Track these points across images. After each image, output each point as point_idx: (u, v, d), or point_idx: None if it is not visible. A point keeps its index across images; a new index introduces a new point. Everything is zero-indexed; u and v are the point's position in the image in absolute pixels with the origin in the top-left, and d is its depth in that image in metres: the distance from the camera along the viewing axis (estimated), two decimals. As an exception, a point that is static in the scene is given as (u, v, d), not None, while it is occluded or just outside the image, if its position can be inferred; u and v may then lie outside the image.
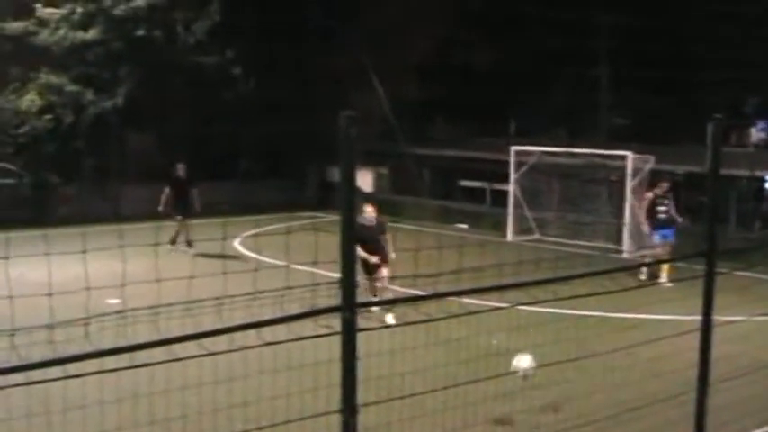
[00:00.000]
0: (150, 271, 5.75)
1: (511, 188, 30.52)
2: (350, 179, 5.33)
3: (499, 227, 30.20)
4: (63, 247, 5.22)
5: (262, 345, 5.23)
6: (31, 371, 4.46)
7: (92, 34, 34.55)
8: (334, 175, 37.07)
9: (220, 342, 5.02)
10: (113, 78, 34.97)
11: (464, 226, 31.94)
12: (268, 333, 5.22)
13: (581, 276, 7.57)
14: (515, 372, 11.69)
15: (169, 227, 24.84)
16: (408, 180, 37.21)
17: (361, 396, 5.54)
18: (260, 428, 6.15)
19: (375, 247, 17.54)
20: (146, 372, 5.39)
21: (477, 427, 10.41)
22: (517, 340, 14.17)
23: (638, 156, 27.34)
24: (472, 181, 35.82)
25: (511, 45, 36.89)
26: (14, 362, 4.47)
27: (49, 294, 4.98)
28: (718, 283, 8.16)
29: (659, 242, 22.37)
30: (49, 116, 33.94)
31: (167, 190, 26.32)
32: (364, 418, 5.58)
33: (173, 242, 25.15)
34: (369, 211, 18.12)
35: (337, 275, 5.34)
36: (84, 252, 4.86)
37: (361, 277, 14.81)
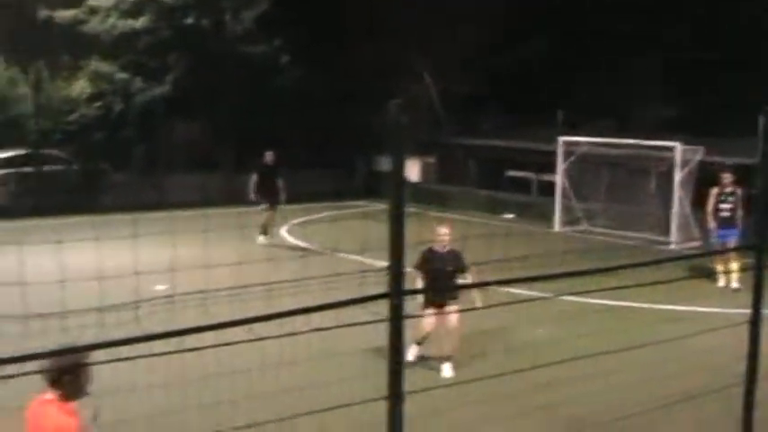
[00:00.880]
0: (198, 258, 5.81)
1: (558, 179, 30.37)
2: (400, 167, 5.33)
3: (546, 217, 30.08)
4: (111, 234, 5.26)
5: (310, 330, 5.25)
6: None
7: (141, 22, 34.77)
8: (382, 164, 37.10)
9: (270, 327, 5.04)
10: (162, 66, 35.18)
11: (511, 216, 31.84)
12: (316, 319, 5.23)
13: (630, 267, 7.52)
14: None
15: (252, 215, 24.69)
16: (455, 170, 37.13)
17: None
18: (306, 414, 6.16)
19: (445, 284, 13.33)
20: (194, 357, 5.44)
21: (522, 416, 10.41)
22: (564, 330, 14.19)
23: (687, 147, 27.09)
24: (519, 171, 35.65)
25: (560, 35, 36.64)
26: (66, 344, 4.53)
27: (99, 279, 5.03)
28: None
29: (717, 244, 20.86)
30: (98, 104, 34.21)
31: (255, 177, 25.93)
32: (409, 407, 5.60)
33: (264, 232, 25.10)
34: (443, 234, 13.71)
35: (384, 264, 5.34)
36: (134, 237, 4.90)
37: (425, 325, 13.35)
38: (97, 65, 34.74)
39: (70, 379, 5.59)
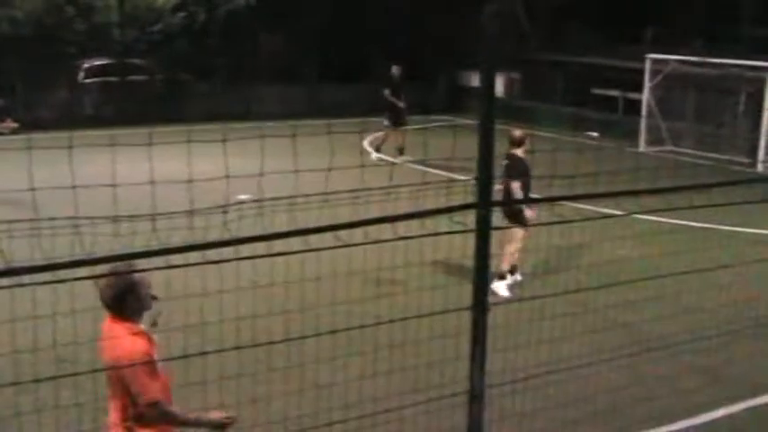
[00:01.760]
0: (284, 169, 5.82)
1: (644, 97, 29.91)
2: (490, 80, 5.29)
3: (631, 137, 29.68)
4: (194, 143, 5.29)
5: (397, 239, 5.26)
6: (170, 255, 4.58)
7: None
8: (465, 78, 36.79)
9: (356, 235, 5.07)
10: (247, -24, 35.08)
11: (595, 134, 31.45)
12: (403, 228, 5.25)
13: (713, 186, 7.40)
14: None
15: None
16: (540, 86, 36.68)
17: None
18: (388, 322, 6.21)
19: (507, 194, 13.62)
20: (281, 262, 5.49)
21: (605, 331, 10.40)
22: (644, 249, 14.09)
23: (778, 67, 26.46)
24: (605, 89, 35.08)
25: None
26: (155, 246, 4.58)
27: (188, 182, 5.09)
28: None
29: None
30: (182, 14, 34.28)
31: (387, 92, 25.46)
32: (490, 319, 5.62)
33: (377, 149, 25.00)
34: (513, 137, 14.12)
35: (464, 178, 5.34)
36: (223, 141, 4.92)
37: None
38: (182, -26, 34.76)
39: (131, 299, 5.67)
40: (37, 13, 32.11)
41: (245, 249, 4.70)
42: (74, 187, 4.78)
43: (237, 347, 5.70)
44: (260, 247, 4.87)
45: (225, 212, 4.97)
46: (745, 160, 26.56)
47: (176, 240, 4.62)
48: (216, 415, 5.79)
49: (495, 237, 5.55)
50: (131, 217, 4.95)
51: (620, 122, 32.33)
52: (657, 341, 10.68)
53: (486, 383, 5.70)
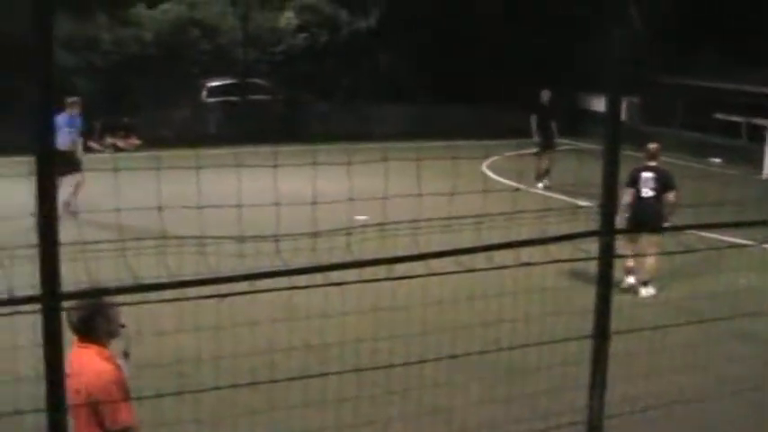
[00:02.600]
0: (402, 191, 5.81)
1: (770, 123, 29.32)
2: (616, 105, 5.23)
3: (755, 163, 29.00)
4: (314, 163, 5.32)
5: (519, 264, 5.23)
6: (292, 276, 4.61)
7: (348, -45, 35.09)
8: (584, 101, 36.42)
9: (478, 259, 5.05)
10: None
11: (717, 160, 30.83)
12: (525, 254, 5.21)
13: None
14: None
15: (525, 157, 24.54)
16: (660, 110, 36.09)
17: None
18: (506, 349, 6.16)
19: (651, 205, 13.85)
20: (401, 284, 5.49)
21: (723, 363, 10.15)
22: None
23: None
24: (728, 114, 34.36)
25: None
26: (279, 266, 4.62)
27: (313, 203, 5.12)
28: None
29: None
30: (304, 35, 34.76)
31: (534, 117, 25.19)
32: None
33: (538, 177, 24.55)
34: (653, 148, 14.55)
35: (587, 204, 5.29)
36: (348, 164, 4.95)
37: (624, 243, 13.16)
38: (305, -3, 35.30)
39: (101, 321, 5.59)
40: (163, 33, 32.91)
41: (368, 272, 4.72)
42: (200, 207, 4.85)
43: (357, 369, 5.72)
44: (382, 270, 4.88)
45: (348, 234, 5.00)
46: None
47: (301, 261, 4.65)
48: None
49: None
50: (256, 237, 5.00)
51: (744, 148, 31.65)
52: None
53: (605, 413, 5.62)
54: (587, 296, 5.57)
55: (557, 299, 7.71)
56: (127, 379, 5.68)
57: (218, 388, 5.62)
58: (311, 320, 6.92)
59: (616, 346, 5.74)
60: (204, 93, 33.09)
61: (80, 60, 30.64)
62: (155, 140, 28.19)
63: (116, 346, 5.77)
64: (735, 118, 33.90)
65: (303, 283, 4.66)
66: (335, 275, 4.72)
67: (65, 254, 4.20)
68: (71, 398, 5.14)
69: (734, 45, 33.44)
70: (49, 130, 4.10)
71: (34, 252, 4.05)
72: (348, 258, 4.78)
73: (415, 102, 34.91)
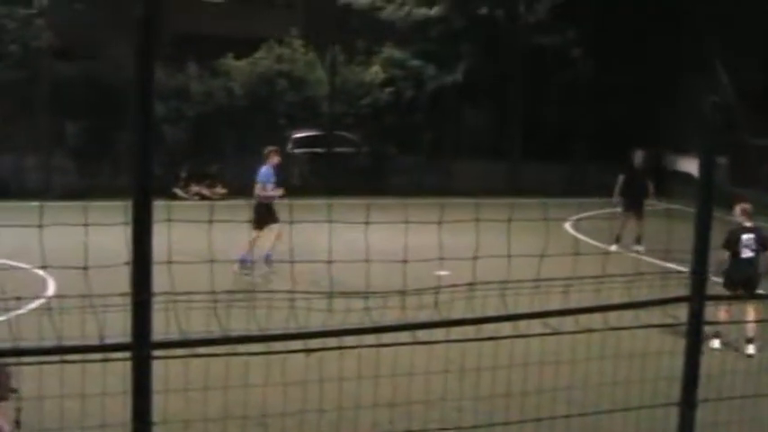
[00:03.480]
0: (483, 248, 5.79)
1: None
2: (710, 168, 5.20)
3: None
4: (396, 217, 5.36)
5: (607, 329, 5.19)
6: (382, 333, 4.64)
7: (435, 11, 35.37)
8: (672, 162, 36.10)
9: (566, 323, 5.03)
10: (454, 54, 35.57)
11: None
12: (614, 318, 5.18)
13: None
14: None
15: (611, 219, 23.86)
16: (748, 171, 35.61)
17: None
18: (590, 414, 6.10)
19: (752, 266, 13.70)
20: (488, 345, 5.47)
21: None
22: None
23: None
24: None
25: None
26: (367, 324, 4.66)
27: (404, 261, 5.13)
28: None
29: None
30: (390, 89, 35.05)
31: (621, 177, 24.27)
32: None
33: (617, 239, 23.39)
34: (746, 208, 14.72)
35: (674, 267, 5.25)
36: (439, 223, 4.98)
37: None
38: (391, 51, 35.65)
39: None
40: (251, 84, 33.42)
41: (455, 331, 4.73)
42: (292, 262, 4.91)
43: (441, 429, 5.71)
44: (470, 330, 4.88)
45: (436, 293, 5.01)
46: None
47: (389, 319, 4.68)
48: None
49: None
50: (345, 294, 5.04)
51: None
52: None
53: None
54: (677, 362, 5.50)
55: (645, 364, 7.60)
56: None
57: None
58: (397, 378, 6.92)
59: (704, 416, 5.66)
60: (290, 144, 33.42)
61: (170, 109, 31.23)
62: (239, 189, 28.52)
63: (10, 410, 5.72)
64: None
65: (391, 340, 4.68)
66: (422, 334, 4.74)
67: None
68: None
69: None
70: (148, 175, 4.17)
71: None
72: (435, 317, 4.79)
73: (499, 157, 34.94)
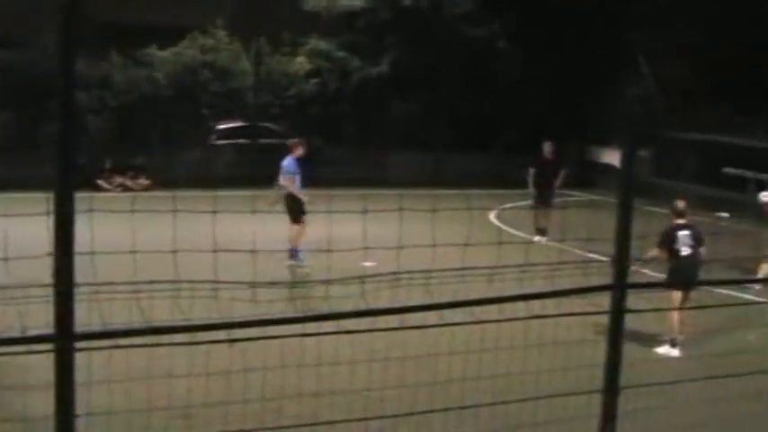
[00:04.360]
0: (409, 238, 5.80)
1: (776, 178, 29.28)
2: (631, 159, 5.27)
3: (764, 218, 28.96)
4: (322, 208, 5.35)
5: (531, 317, 5.24)
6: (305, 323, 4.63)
7: (361, 2, 35.34)
8: (593, 153, 36.51)
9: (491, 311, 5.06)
10: (379, 46, 35.61)
11: (725, 215, 30.80)
12: (537, 306, 5.22)
13: None
14: None
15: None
16: (670, 164, 36.17)
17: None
18: (515, 401, 6.15)
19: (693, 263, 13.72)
20: (417, 334, 5.49)
21: (731, 421, 10.09)
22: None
23: None
24: (737, 168, 34.35)
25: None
26: (290, 314, 4.64)
27: (329, 251, 5.13)
28: None
29: None
30: (315, 80, 34.99)
31: (532, 171, 24.36)
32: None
33: (538, 231, 23.38)
34: (681, 207, 14.47)
35: (594, 256, 5.31)
36: (364, 212, 4.98)
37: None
38: (316, 42, 35.58)
39: None
40: (175, 75, 33.12)
41: (380, 320, 4.73)
42: (215, 251, 4.87)
43: (364, 419, 5.71)
44: (394, 319, 4.88)
45: (362, 283, 5.01)
46: None
47: (313, 309, 4.68)
48: None
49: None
50: (271, 284, 5.02)
51: (753, 203, 31.61)
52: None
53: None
54: (602, 350, 5.57)
55: (569, 352, 7.68)
56: None
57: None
58: (321, 367, 6.92)
59: (626, 402, 5.73)
60: (213, 135, 33.22)
61: (93, 98, 30.86)
62: (164, 182, 28.29)
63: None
64: (743, 172, 33.89)
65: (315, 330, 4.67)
66: (348, 323, 4.73)
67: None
68: None
69: (745, 102, 33.56)
70: (70, 168, 4.12)
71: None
72: (362, 306, 4.79)
73: (426, 149, 35.03)
